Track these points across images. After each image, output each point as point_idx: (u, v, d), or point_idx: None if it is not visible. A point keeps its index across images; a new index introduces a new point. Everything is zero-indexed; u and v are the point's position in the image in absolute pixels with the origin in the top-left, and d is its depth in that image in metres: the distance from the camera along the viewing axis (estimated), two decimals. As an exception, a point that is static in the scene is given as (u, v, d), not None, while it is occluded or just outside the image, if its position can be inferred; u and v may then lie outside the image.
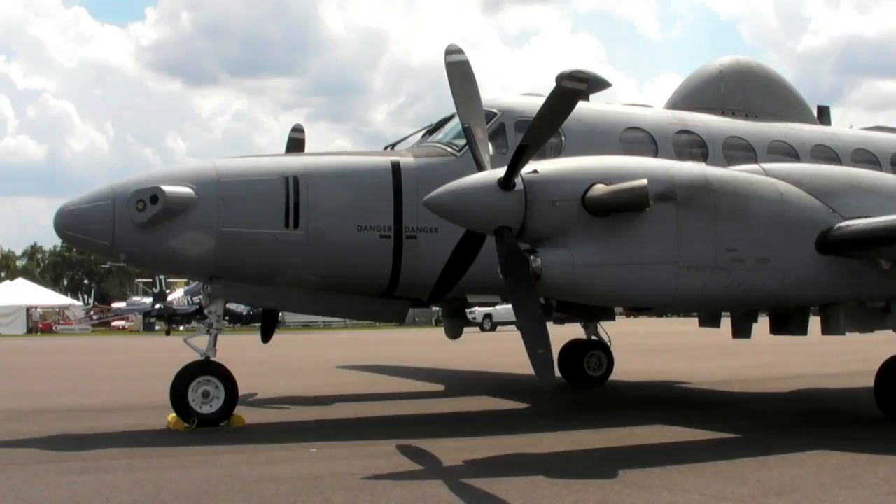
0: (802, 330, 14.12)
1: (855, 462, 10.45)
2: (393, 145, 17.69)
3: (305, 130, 19.13)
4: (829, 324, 13.75)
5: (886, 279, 12.99)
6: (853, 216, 12.72)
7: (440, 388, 21.19)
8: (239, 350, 30.97)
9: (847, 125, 21.70)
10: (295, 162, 14.79)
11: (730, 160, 16.64)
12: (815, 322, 14.08)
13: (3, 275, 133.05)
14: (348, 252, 14.46)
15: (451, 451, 11.40)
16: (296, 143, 18.79)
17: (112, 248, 13.56)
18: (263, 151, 70.70)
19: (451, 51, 14.09)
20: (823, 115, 20.87)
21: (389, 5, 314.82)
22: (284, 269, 14.29)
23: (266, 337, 19.43)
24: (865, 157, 19.10)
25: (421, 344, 44.75)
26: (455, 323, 20.01)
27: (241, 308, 64.77)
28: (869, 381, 14.40)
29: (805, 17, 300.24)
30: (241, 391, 14.46)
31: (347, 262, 14.52)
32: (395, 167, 14.97)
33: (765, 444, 11.77)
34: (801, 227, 12.48)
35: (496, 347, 38.42)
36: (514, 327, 58.07)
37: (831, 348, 30.26)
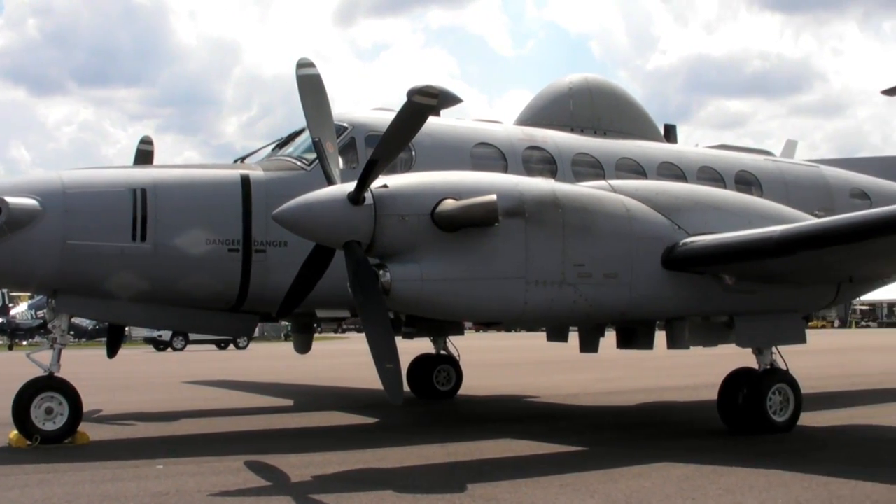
0: (648, 344, 14.44)
1: (699, 473, 10.66)
2: (243, 158, 17.52)
3: (154, 142, 18.91)
4: (675, 338, 14.03)
5: (729, 294, 13.36)
6: (697, 232, 13.05)
7: (289, 402, 21.04)
8: (84, 365, 30.34)
9: (693, 143, 22.22)
10: (143, 174, 14.54)
11: (578, 176, 16.88)
12: (661, 336, 14.34)
13: None
14: (196, 266, 14.28)
15: (300, 466, 11.35)
16: (144, 155, 18.52)
17: (-49, 261, 13.13)
18: (111, 163, 69.54)
19: (303, 64, 14.03)
20: (670, 134, 21.37)
21: (242, 16, 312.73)
22: (131, 282, 14.00)
23: (112, 352, 19.06)
24: (710, 174, 19.58)
25: (269, 359, 44.39)
26: (304, 338, 19.89)
27: (86, 322, 63.64)
28: (713, 395, 14.76)
29: (655, 36, 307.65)
30: (86, 407, 14.17)
31: (195, 275, 14.34)
32: (245, 180, 14.85)
33: (611, 457, 11.94)
34: (648, 243, 12.72)
35: (346, 362, 38.24)
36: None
37: (677, 362, 30.93)
